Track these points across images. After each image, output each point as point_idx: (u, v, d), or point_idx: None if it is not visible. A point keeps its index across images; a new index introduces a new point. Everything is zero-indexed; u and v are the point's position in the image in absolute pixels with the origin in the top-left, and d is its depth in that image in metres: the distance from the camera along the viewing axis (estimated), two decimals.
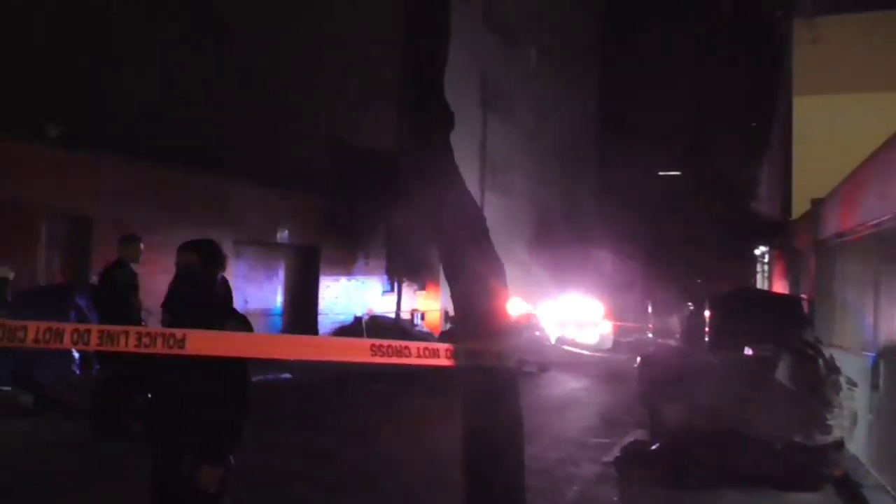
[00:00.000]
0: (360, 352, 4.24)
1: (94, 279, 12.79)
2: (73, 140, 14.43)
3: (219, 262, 4.00)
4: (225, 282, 4.19)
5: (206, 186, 15.95)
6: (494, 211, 24.74)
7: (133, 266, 8.57)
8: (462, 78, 24.66)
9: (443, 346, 4.53)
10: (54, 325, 3.17)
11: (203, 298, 3.85)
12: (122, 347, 3.29)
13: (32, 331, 3.10)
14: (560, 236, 29.55)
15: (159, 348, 3.26)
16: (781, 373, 7.64)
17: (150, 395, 3.91)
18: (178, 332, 3.34)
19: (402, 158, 5.42)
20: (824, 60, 16.49)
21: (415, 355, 4.17)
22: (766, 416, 7.29)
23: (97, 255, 13.39)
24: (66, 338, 3.18)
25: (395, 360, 4.07)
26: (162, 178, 15.05)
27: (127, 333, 3.32)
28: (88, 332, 3.28)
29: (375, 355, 4.01)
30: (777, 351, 7.81)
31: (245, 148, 20.03)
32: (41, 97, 17.08)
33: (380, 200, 18.69)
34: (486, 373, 4.61)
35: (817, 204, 11.91)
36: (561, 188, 33.70)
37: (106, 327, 3.38)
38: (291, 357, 4.21)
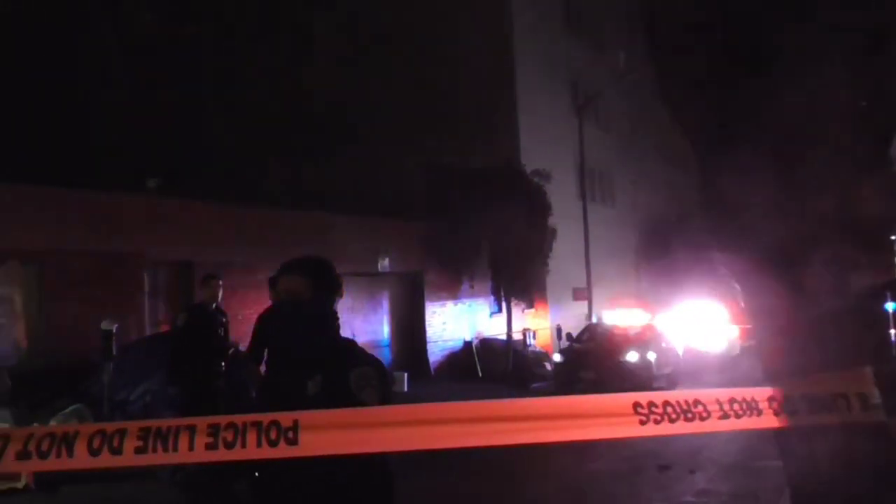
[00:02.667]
0: (616, 420, 2.36)
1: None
2: (170, 189, 14.23)
3: (335, 287, 2.87)
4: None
5: (304, 221, 15.39)
6: (598, 222, 23.41)
7: (213, 306, 7.68)
8: (551, 86, 23.54)
9: (763, 394, 2.54)
10: (58, 429, 2.02)
11: (317, 338, 2.74)
12: (181, 455, 1.98)
13: (18, 442, 1.92)
14: (669, 241, 27.70)
15: (251, 450, 1.98)
16: None
17: (256, 475, 2.76)
18: (286, 418, 2.06)
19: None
20: None
21: (716, 415, 2.39)
22: None
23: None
24: (80, 446, 1.93)
25: (680, 427, 2.33)
26: (259, 217, 14.65)
27: (191, 430, 2.01)
28: (122, 432, 1.99)
29: (646, 423, 2.29)
30: None
31: (341, 179, 19.51)
32: (138, 149, 17.00)
33: (481, 219, 17.72)
34: (846, 435, 2.62)
35: None
36: (664, 192, 31.79)
37: (153, 423, 2.03)
38: (494, 443, 2.20)
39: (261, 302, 13.72)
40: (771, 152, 3.11)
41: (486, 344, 19.41)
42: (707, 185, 3.73)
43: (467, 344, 19.33)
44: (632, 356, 15.84)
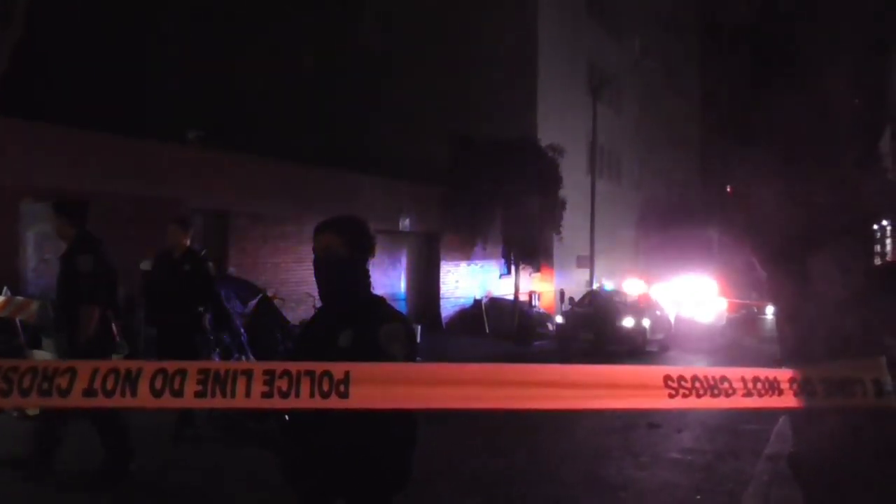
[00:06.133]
0: (648, 392, 2.27)
1: (231, 270, 12.22)
2: (210, 142, 14.08)
3: (368, 245, 2.77)
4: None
5: (333, 179, 15.22)
6: (604, 197, 23.15)
7: (178, 254, 6.59)
8: (571, 67, 23.08)
9: (784, 374, 2.48)
10: (121, 365, 1.88)
11: (349, 294, 2.68)
12: (238, 401, 1.87)
13: (84, 380, 1.78)
14: (667, 219, 27.50)
15: (304, 400, 1.89)
16: None
17: (287, 418, 2.68)
18: (338, 370, 1.98)
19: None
20: None
21: (741, 392, 2.31)
22: None
23: (235, 246, 12.88)
24: (143, 387, 1.83)
25: (706, 402, 2.24)
26: (293, 173, 14.49)
27: (248, 376, 1.91)
28: (182, 373, 1.88)
29: (675, 396, 2.19)
30: None
31: (369, 142, 19.34)
32: (181, 103, 16.82)
33: (496, 187, 17.54)
34: (858, 418, 2.61)
35: None
36: (666, 173, 31.41)
37: (211, 365, 1.92)
38: (535, 406, 1.97)
39: (289, 251, 13.69)
40: (779, 150, 3.02)
41: (495, 303, 19.38)
42: (722, 180, 3.68)
43: (477, 302, 19.30)
44: (628, 322, 15.75)
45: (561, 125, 21.35)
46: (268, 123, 18.48)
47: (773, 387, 2.42)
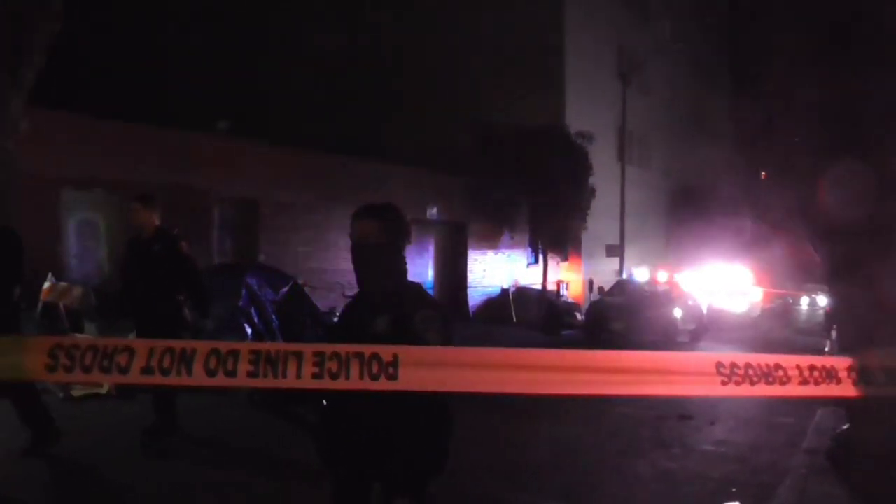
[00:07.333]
0: (699, 378, 2.24)
1: (262, 258, 12.40)
2: (239, 132, 14.26)
3: (405, 231, 2.78)
4: None
5: (360, 168, 15.29)
6: (633, 184, 22.97)
7: (146, 235, 5.83)
8: (600, 51, 22.87)
9: (842, 363, 2.42)
10: (177, 345, 1.95)
11: (385, 280, 2.68)
12: (290, 382, 1.92)
13: (142, 358, 1.87)
14: (699, 206, 27.17)
15: (354, 381, 1.94)
16: None
17: (325, 403, 2.73)
18: (386, 352, 2.01)
19: None
20: None
21: (796, 380, 2.25)
22: None
23: (263, 234, 13.05)
24: (198, 366, 1.89)
25: (760, 390, 2.20)
26: (321, 163, 14.60)
27: (299, 357, 1.96)
28: (235, 354, 1.94)
29: (727, 383, 2.16)
30: None
31: (396, 131, 19.38)
32: (210, 94, 17.02)
33: (524, 175, 17.49)
34: None
35: None
36: (696, 158, 31.02)
37: (262, 346, 1.95)
38: (585, 392, 2.06)
39: (318, 240, 13.83)
40: (830, 131, 2.99)
41: (522, 292, 19.36)
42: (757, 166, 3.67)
43: (504, 291, 19.31)
44: (658, 312, 15.63)
45: (589, 111, 21.19)
46: (293, 113, 18.64)
47: (830, 375, 2.36)
